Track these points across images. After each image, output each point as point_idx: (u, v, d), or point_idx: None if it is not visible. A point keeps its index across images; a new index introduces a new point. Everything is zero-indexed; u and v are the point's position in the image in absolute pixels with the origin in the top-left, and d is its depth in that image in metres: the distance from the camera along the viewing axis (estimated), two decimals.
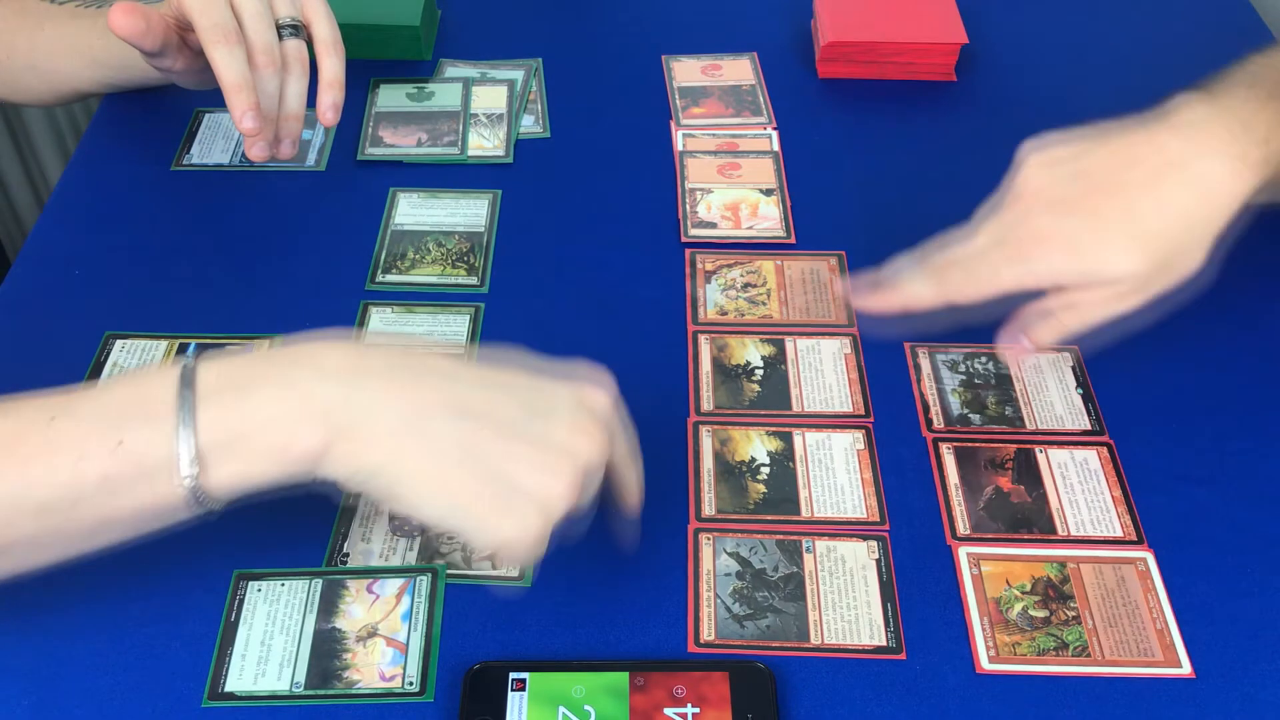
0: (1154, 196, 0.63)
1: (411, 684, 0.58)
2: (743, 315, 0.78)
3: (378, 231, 0.83)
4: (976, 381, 0.74)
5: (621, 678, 0.57)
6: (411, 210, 0.85)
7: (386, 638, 0.60)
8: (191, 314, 0.77)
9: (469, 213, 0.85)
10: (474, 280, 0.80)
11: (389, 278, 0.80)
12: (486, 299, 0.79)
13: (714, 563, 0.64)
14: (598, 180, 0.89)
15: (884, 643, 0.60)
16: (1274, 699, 0.58)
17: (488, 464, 0.51)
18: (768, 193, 0.87)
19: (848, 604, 0.62)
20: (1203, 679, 0.59)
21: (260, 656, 0.59)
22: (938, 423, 0.71)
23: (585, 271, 0.81)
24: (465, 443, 0.51)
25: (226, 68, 0.70)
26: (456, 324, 0.77)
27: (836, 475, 0.68)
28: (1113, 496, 0.67)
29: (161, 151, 0.90)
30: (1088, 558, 0.64)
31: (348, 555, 0.64)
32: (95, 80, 0.90)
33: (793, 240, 0.84)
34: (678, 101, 0.97)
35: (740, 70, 1.00)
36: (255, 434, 0.51)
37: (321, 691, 0.58)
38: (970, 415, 0.72)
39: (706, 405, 0.72)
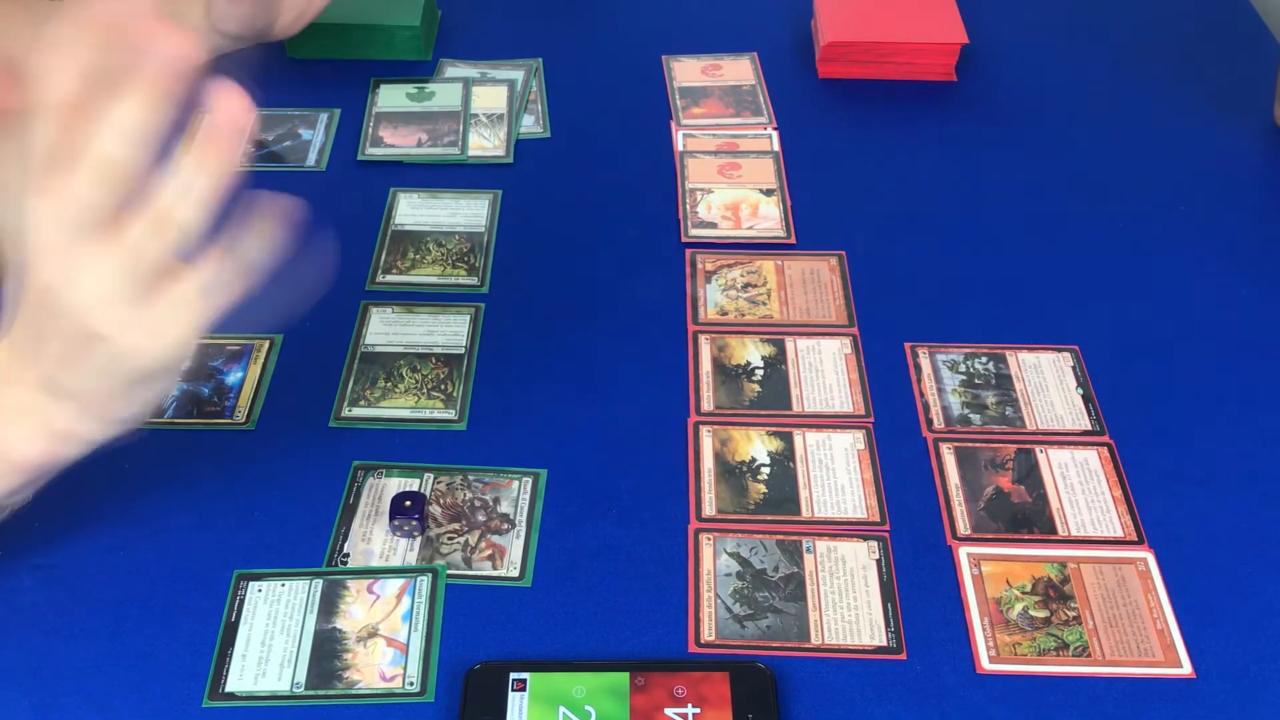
0: None
1: (412, 684, 0.58)
2: (743, 315, 0.78)
3: (377, 231, 0.83)
4: (976, 381, 0.74)
5: (622, 678, 0.57)
6: (411, 210, 0.85)
7: (387, 638, 0.60)
8: None
9: (469, 213, 0.85)
10: (474, 280, 0.80)
11: (389, 278, 0.80)
12: (486, 299, 0.79)
13: (714, 563, 0.64)
14: (598, 180, 0.89)
15: (884, 643, 0.60)
16: (1274, 699, 0.58)
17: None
18: (768, 193, 0.87)
19: (848, 604, 0.62)
20: (1203, 679, 0.59)
21: (260, 657, 0.59)
22: (938, 423, 0.71)
23: (585, 271, 0.81)
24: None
25: None
26: (457, 324, 0.77)
27: (837, 475, 0.68)
28: (1113, 496, 0.67)
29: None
30: (1088, 558, 0.64)
31: (348, 555, 0.64)
32: None
33: (793, 240, 0.84)
34: (678, 101, 0.97)
35: (740, 70, 1.00)
36: None
37: (322, 692, 0.58)
38: (970, 415, 0.72)
39: (706, 405, 0.72)
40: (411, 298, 0.79)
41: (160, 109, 0.48)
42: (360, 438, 0.70)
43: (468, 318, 0.77)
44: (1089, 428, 0.71)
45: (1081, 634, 0.61)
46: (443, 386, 0.73)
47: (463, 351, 0.75)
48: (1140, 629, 0.61)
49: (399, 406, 0.71)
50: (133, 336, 0.50)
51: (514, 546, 0.64)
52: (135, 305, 0.49)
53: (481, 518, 0.66)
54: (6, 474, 0.55)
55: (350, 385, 0.73)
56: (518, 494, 0.67)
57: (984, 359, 0.75)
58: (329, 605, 0.61)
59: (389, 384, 0.73)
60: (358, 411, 0.71)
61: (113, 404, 0.53)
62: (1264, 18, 1.08)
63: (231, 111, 0.48)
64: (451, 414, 0.71)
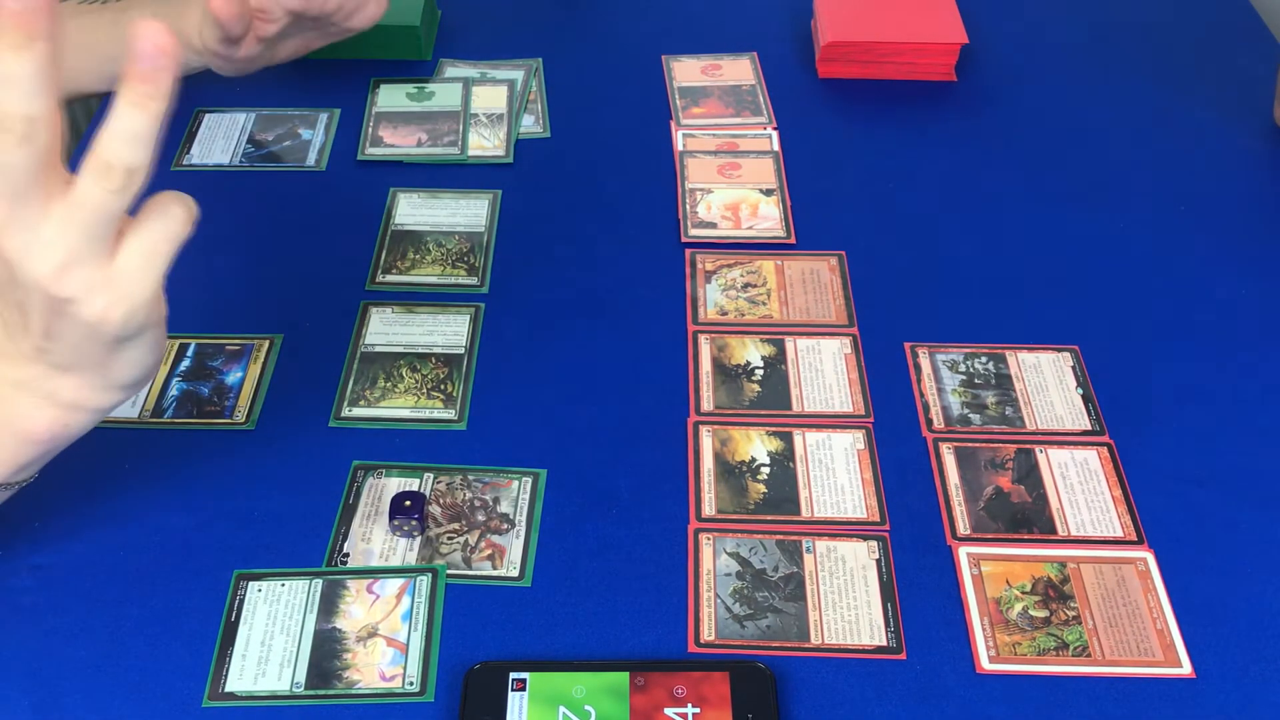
0: None
1: (412, 684, 0.58)
2: (743, 315, 0.78)
3: (377, 231, 0.84)
4: (976, 381, 0.74)
5: (622, 678, 0.57)
6: (412, 210, 0.85)
7: (387, 638, 0.60)
8: (192, 314, 0.76)
9: (469, 213, 0.85)
10: (474, 280, 0.80)
11: (389, 278, 0.80)
12: (486, 299, 0.79)
13: (714, 563, 0.64)
14: (598, 180, 0.89)
15: (884, 643, 0.60)
16: (1274, 699, 0.58)
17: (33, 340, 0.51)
18: (768, 193, 0.87)
19: (848, 604, 0.62)
20: (1203, 679, 0.59)
21: (260, 656, 0.59)
22: (938, 423, 0.71)
23: (585, 271, 0.81)
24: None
25: None
26: (457, 324, 0.77)
27: (837, 475, 0.68)
28: (1113, 496, 0.67)
29: (161, 151, 0.90)
30: (1088, 558, 0.64)
31: (348, 555, 0.64)
32: (104, 77, 0.90)
33: (793, 240, 0.84)
34: (678, 101, 0.97)
35: (740, 70, 1.00)
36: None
37: (322, 692, 0.58)
38: (970, 415, 0.72)
39: (706, 405, 0.72)
40: (411, 298, 0.79)
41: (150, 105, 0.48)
42: (360, 438, 0.70)
43: (467, 318, 0.77)
44: (1089, 428, 0.71)
45: (1081, 634, 0.61)
46: (442, 386, 0.73)
47: (462, 351, 0.75)
48: (1140, 629, 0.61)
49: (399, 406, 0.71)
50: (100, 298, 0.49)
51: (514, 546, 0.64)
52: (97, 265, 0.49)
53: (481, 518, 0.66)
54: (19, 447, 0.55)
55: (350, 385, 0.73)
56: (518, 494, 0.67)
57: (984, 359, 0.75)
58: (329, 605, 0.61)
59: (389, 384, 0.73)
60: (358, 411, 0.71)
61: (108, 369, 0.53)
62: (1264, 17, 1.08)
63: (154, 42, 0.46)
64: (451, 414, 0.71)
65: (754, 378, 0.74)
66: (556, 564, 0.64)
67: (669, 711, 0.56)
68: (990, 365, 0.75)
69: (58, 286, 0.48)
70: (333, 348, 0.75)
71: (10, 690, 0.57)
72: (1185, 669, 0.59)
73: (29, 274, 0.48)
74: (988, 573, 0.63)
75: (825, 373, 0.74)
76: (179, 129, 0.92)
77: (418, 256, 0.82)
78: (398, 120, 0.93)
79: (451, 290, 0.79)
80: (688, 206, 0.86)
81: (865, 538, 0.65)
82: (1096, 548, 0.65)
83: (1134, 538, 0.65)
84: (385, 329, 0.76)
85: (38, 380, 0.53)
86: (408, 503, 0.64)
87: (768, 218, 0.85)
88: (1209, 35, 1.05)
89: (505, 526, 0.65)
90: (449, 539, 0.64)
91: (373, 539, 0.64)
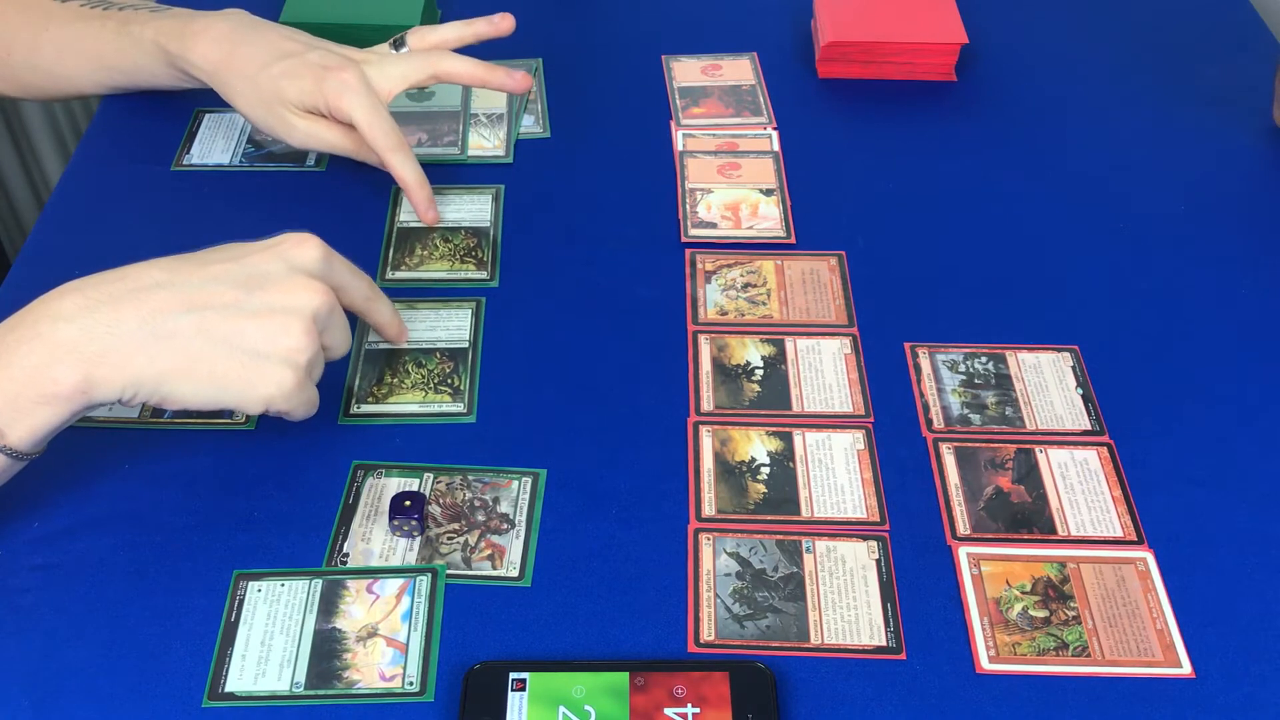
0: None
1: (411, 684, 0.58)
2: (743, 315, 0.78)
3: (382, 231, 0.84)
4: (976, 381, 0.74)
5: (621, 678, 0.57)
6: None
7: (386, 638, 0.60)
8: None
9: (473, 209, 0.85)
10: (484, 275, 0.80)
11: (398, 274, 0.80)
12: (495, 293, 0.79)
13: (714, 563, 0.64)
14: (598, 180, 0.89)
15: (884, 643, 0.60)
16: (1274, 699, 0.58)
17: (227, 344, 0.59)
18: (768, 193, 0.87)
19: (848, 604, 0.62)
20: (1203, 679, 0.59)
21: (260, 656, 0.59)
22: (938, 423, 0.71)
23: (585, 272, 0.81)
24: (201, 332, 0.59)
25: (407, 170, 0.81)
26: (459, 318, 0.77)
27: (836, 475, 0.68)
28: (1113, 496, 0.67)
29: (161, 151, 0.90)
30: (1088, 558, 0.64)
31: (348, 555, 0.64)
32: (100, 83, 0.90)
33: (793, 240, 0.84)
34: (678, 101, 0.97)
35: (740, 70, 1.00)
36: (24, 391, 0.57)
37: (321, 692, 0.58)
38: (970, 415, 0.72)
39: (706, 405, 0.72)
40: (419, 294, 0.79)
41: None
42: (362, 436, 0.70)
43: (469, 312, 0.77)
44: (1089, 428, 0.71)
45: (1081, 634, 0.61)
46: (449, 381, 0.73)
47: (467, 346, 0.75)
48: (1140, 629, 0.61)
49: (407, 402, 0.71)
50: (302, 392, 0.63)
51: (513, 546, 0.64)
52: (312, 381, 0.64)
53: (481, 517, 0.66)
54: (36, 408, 0.58)
55: (357, 383, 0.73)
56: (517, 494, 0.67)
57: (984, 359, 0.75)
58: (329, 605, 0.61)
59: (395, 380, 0.73)
60: (366, 408, 0.71)
61: (189, 370, 0.60)
62: (1264, 17, 1.08)
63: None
64: (460, 407, 0.71)
65: (754, 378, 0.74)
66: (556, 564, 0.64)
67: (669, 711, 0.56)
68: (990, 365, 0.75)
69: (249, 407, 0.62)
70: None
71: (10, 690, 0.57)
72: (1185, 669, 0.59)
73: (252, 401, 0.61)
74: (988, 573, 0.63)
75: (825, 373, 0.74)
76: (179, 129, 0.92)
77: (425, 253, 0.82)
78: (397, 120, 0.93)
79: (462, 285, 0.80)
80: (688, 206, 0.86)
81: (865, 538, 0.65)
82: (1096, 548, 0.65)
83: (1134, 538, 0.65)
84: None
85: (113, 333, 0.58)
86: (407, 503, 0.64)
87: (768, 218, 0.85)
88: (1209, 35, 1.05)
89: (505, 526, 0.65)
90: (449, 539, 0.64)
91: (372, 539, 0.64)
